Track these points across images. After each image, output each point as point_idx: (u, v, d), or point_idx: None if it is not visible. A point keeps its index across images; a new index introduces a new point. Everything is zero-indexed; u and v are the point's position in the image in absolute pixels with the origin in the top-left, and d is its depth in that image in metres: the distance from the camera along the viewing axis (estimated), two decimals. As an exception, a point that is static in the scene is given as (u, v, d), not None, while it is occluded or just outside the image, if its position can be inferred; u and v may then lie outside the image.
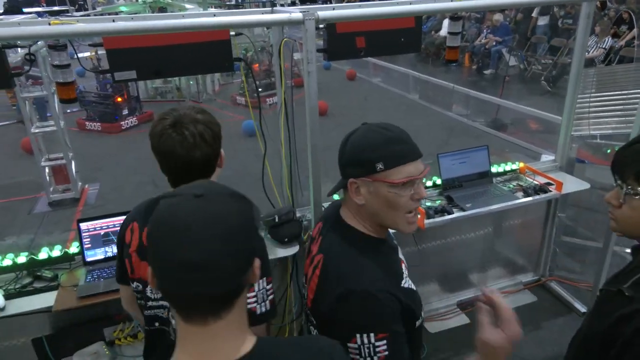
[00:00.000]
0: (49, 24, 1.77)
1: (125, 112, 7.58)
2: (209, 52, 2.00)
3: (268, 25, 1.92)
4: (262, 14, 2.08)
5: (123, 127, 7.41)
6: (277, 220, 2.32)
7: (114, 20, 1.89)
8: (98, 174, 5.65)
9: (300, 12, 1.69)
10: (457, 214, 2.42)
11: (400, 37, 2.26)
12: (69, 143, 5.01)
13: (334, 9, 2.13)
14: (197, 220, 0.74)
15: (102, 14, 10.29)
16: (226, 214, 0.76)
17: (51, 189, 4.97)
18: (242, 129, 6.88)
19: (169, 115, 1.24)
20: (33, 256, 2.16)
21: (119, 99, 7.45)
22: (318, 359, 0.87)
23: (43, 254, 2.19)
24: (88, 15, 9.05)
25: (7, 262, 2.14)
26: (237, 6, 14.64)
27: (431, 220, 2.38)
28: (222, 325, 0.77)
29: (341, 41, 2.10)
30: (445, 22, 11.32)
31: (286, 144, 2.35)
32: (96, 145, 6.80)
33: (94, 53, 7.11)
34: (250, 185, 5.17)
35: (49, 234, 4.34)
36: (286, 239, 2.31)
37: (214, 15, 2.00)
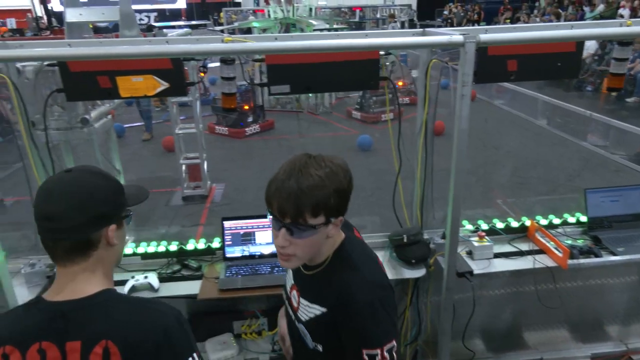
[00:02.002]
0: (223, 41, 1.97)
1: (250, 119, 8.14)
2: (357, 70, 2.06)
3: (427, 47, 1.93)
4: (413, 35, 2.10)
5: (247, 133, 7.97)
6: (405, 240, 2.30)
7: (276, 39, 2.05)
8: (224, 174, 6.12)
9: (461, 34, 1.67)
10: (606, 257, 2.19)
11: (557, 62, 2.12)
12: (204, 145, 5.51)
13: (486, 31, 2.08)
14: (57, 186, 1.05)
15: (233, 32, 11.23)
16: (81, 183, 1.05)
17: (185, 185, 5.50)
18: (357, 144, 6.99)
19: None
20: (182, 246, 2.41)
21: (246, 107, 8.03)
22: (150, 318, 1.05)
23: (190, 245, 2.42)
24: (222, 31, 9.88)
25: (161, 248, 2.41)
26: (359, 23, 15.08)
27: (575, 262, 2.18)
28: (77, 269, 1.05)
29: (492, 64, 2.03)
30: (586, 43, 10.40)
31: (421, 164, 2.32)
32: (223, 148, 7.39)
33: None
34: (364, 200, 5.23)
35: (182, 225, 4.80)
36: (413, 260, 2.28)
37: (366, 36, 2.06)
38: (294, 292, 1.36)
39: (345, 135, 7.91)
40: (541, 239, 2.39)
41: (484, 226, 2.53)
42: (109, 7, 2.79)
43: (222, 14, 18.50)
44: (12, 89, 1.92)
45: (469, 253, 2.36)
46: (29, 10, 25.33)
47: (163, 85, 2.00)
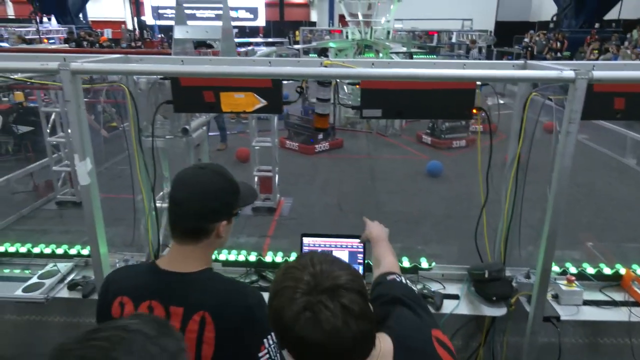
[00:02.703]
0: (322, 64, 2.05)
1: (320, 137, 8.27)
2: (452, 99, 2.05)
3: (534, 81, 1.88)
4: (513, 67, 2.06)
5: (316, 150, 8.10)
6: (486, 275, 2.22)
7: (373, 64, 2.09)
8: (292, 189, 6.25)
9: (572, 69, 1.61)
10: None
11: (671, 103, 1.99)
12: (277, 158, 5.67)
13: (593, 67, 1.99)
14: (189, 179, 1.27)
15: (308, 50, 11.53)
16: (206, 181, 1.26)
17: (256, 196, 5.67)
18: (427, 169, 6.87)
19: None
20: (261, 257, 2.48)
21: (317, 125, 8.17)
22: (239, 296, 1.23)
23: (268, 257, 2.49)
24: (297, 51, 10.19)
25: (241, 257, 2.50)
26: (434, 48, 14.99)
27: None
28: (187, 249, 1.26)
29: (597, 101, 1.93)
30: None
31: (510, 199, 2.24)
32: (292, 163, 7.56)
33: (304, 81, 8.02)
34: (433, 228, 5.11)
35: (250, 235, 4.95)
36: (494, 298, 2.20)
37: (464, 66, 2.05)
38: None
39: (414, 160, 7.81)
40: (638, 290, 2.21)
41: (572, 269, 2.39)
42: (211, 25, 3.00)
43: (297, 32, 19.13)
44: (129, 98, 2.11)
45: (555, 297, 2.23)
46: (124, 22, 27.66)
47: (262, 102, 2.10)
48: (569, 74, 1.60)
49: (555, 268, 2.39)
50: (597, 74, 1.60)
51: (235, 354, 1.20)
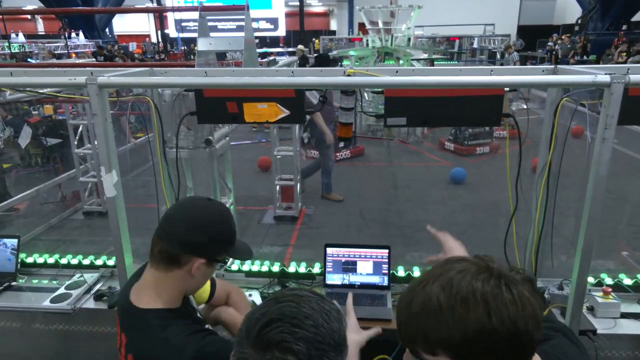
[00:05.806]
0: (345, 73, 2.03)
1: (341, 145, 8.23)
2: (479, 106, 2.00)
3: (566, 86, 1.82)
4: (543, 72, 2.00)
5: (337, 158, 8.04)
6: (517, 287, 2.15)
7: (397, 72, 2.06)
8: (313, 198, 6.23)
9: (607, 74, 1.55)
10: None
11: None
12: (299, 167, 5.67)
13: (628, 70, 1.92)
14: (193, 204, 1.29)
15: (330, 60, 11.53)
16: (207, 213, 1.25)
17: (277, 204, 5.67)
18: (450, 176, 6.77)
19: None
20: (284, 268, 2.46)
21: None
22: (167, 352, 1.14)
23: (292, 268, 2.47)
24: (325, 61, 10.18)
25: (264, 268, 2.48)
26: (456, 54, 14.88)
27: None
28: (159, 277, 1.22)
29: (632, 105, 1.86)
30: None
31: (541, 207, 2.17)
32: (313, 172, 7.53)
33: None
34: (457, 236, 5.01)
35: (272, 245, 4.94)
36: (526, 310, 2.12)
37: (491, 72, 2.00)
38: None
39: (437, 167, 7.71)
40: (680, 303, 2.10)
41: (608, 280, 2.29)
42: (234, 37, 3.02)
43: (317, 41, 19.24)
44: (154, 110, 2.13)
45: (591, 309, 2.14)
46: (148, 36, 28.35)
47: (284, 112, 2.09)
48: (604, 78, 1.53)
49: (590, 279, 2.29)
50: (634, 77, 1.53)
51: None
